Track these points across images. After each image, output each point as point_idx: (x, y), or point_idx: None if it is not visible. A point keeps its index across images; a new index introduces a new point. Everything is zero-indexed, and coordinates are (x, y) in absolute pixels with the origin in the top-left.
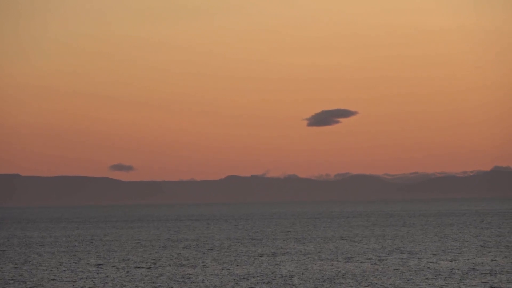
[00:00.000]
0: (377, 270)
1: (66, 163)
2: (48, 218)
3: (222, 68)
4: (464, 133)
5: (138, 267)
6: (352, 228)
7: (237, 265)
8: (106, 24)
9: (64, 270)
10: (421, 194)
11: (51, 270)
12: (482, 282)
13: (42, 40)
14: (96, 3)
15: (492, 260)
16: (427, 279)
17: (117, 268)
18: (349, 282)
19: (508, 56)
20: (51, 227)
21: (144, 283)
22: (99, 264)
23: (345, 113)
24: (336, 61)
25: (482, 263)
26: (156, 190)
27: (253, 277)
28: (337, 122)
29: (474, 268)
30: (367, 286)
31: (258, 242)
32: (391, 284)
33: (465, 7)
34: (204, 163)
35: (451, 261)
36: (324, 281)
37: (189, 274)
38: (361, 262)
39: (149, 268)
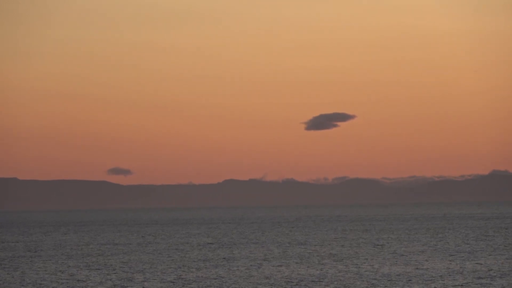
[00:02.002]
0: (313, 275)
1: (64, 167)
2: (34, 221)
3: (220, 71)
4: (462, 137)
5: (84, 272)
6: (321, 233)
7: (185, 270)
8: (103, 27)
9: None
10: (420, 198)
11: None
12: None
13: (40, 43)
14: (94, 7)
15: (436, 266)
16: (367, 285)
17: (60, 274)
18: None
19: (507, 59)
20: (30, 232)
21: None
22: (41, 269)
23: (343, 117)
24: (334, 64)
25: (428, 268)
26: (154, 194)
27: (193, 282)
28: (335, 125)
29: (412, 274)
30: None
31: (218, 247)
32: None
33: (463, 10)
34: (202, 167)
35: (393, 266)
36: (256, 285)
37: (132, 278)
38: (297, 266)
39: (101, 272)
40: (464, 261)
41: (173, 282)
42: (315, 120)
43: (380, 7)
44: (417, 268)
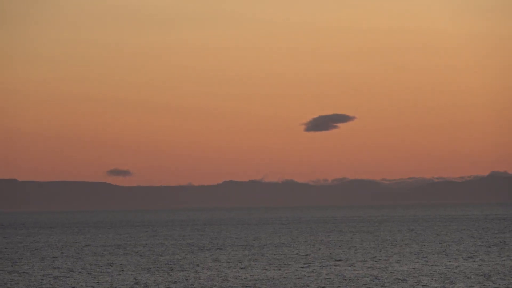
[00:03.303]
0: (271, 277)
1: (63, 168)
2: (23, 223)
3: (220, 73)
4: (461, 138)
5: (49, 273)
6: (293, 234)
7: (152, 272)
8: (103, 28)
9: None
10: (419, 199)
11: None
12: None
13: (39, 45)
14: (93, 9)
15: (399, 268)
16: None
17: (20, 275)
18: None
19: (506, 60)
20: (14, 233)
21: None
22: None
23: (343, 118)
24: (333, 66)
25: (392, 271)
26: (154, 195)
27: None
28: (335, 127)
29: (368, 276)
30: None
31: (195, 249)
32: None
33: (462, 12)
34: (202, 168)
35: (353, 268)
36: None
37: (89, 281)
38: (242, 269)
39: (61, 274)
40: (428, 264)
41: (132, 285)
42: (315, 121)
43: (378, 10)
44: (380, 270)
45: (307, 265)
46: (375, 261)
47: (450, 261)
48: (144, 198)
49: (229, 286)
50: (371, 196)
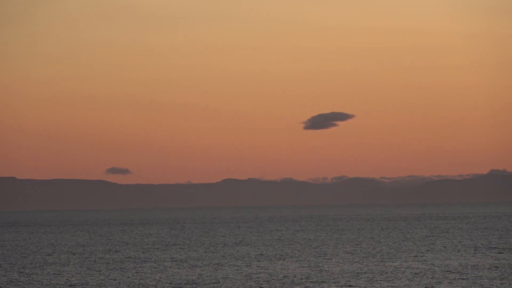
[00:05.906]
0: (211, 276)
1: (63, 166)
2: (9, 222)
3: (219, 72)
4: (460, 136)
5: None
6: (265, 233)
7: (94, 272)
8: (103, 28)
9: None
10: (418, 198)
11: None
12: None
13: (37, 46)
14: (93, 9)
15: (335, 269)
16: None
17: None
18: None
19: (505, 60)
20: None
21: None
22: None
23: (342, 116)
24: (332, 64)
25: (329, 270)
26: (153, 194)
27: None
28: (334, 125)
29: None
30: None
31: (140, 248)
32: None
33: (460, 12)
34: (201, 166)
35: (296, 266)
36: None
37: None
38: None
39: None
40: (377, 263)
41: (73, 285)
42: (314, 120)
43: (377, 10)
44: (319, 269)
45: (247, 264)
46: (311, 260)
47: (382, 260)
48: (143, 197)
49: (170, 284)
50: (370, 195)
